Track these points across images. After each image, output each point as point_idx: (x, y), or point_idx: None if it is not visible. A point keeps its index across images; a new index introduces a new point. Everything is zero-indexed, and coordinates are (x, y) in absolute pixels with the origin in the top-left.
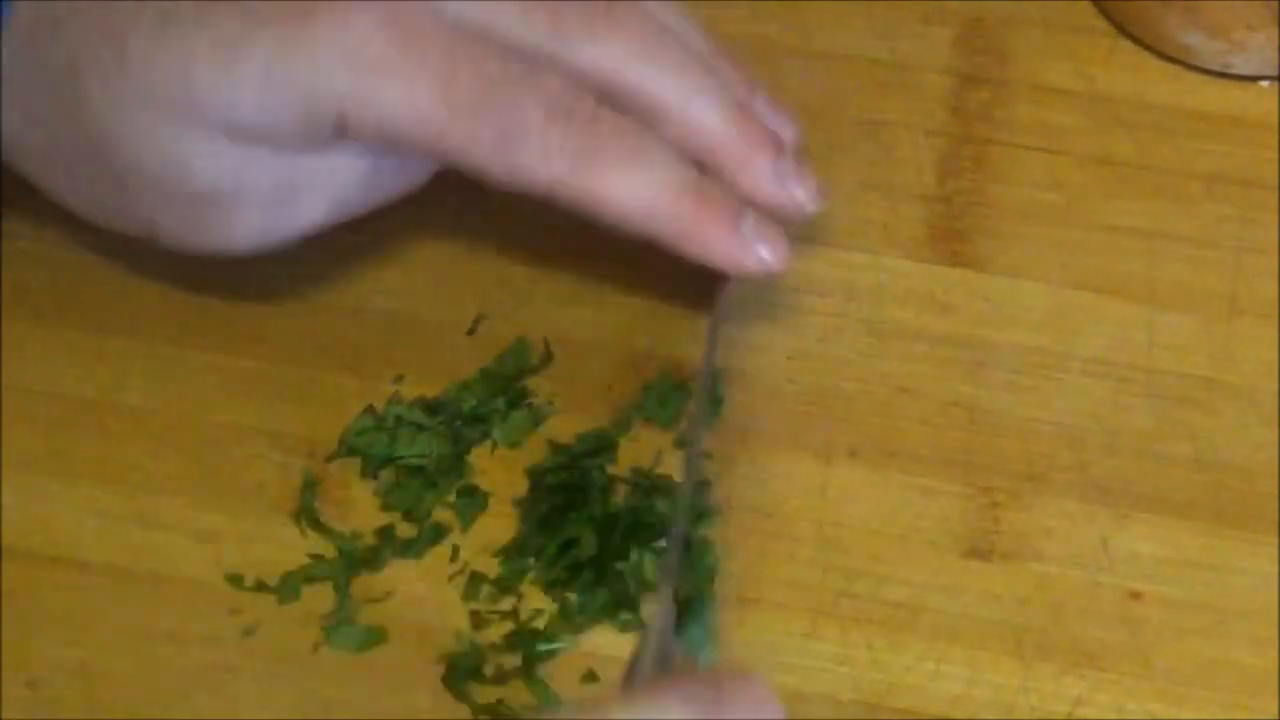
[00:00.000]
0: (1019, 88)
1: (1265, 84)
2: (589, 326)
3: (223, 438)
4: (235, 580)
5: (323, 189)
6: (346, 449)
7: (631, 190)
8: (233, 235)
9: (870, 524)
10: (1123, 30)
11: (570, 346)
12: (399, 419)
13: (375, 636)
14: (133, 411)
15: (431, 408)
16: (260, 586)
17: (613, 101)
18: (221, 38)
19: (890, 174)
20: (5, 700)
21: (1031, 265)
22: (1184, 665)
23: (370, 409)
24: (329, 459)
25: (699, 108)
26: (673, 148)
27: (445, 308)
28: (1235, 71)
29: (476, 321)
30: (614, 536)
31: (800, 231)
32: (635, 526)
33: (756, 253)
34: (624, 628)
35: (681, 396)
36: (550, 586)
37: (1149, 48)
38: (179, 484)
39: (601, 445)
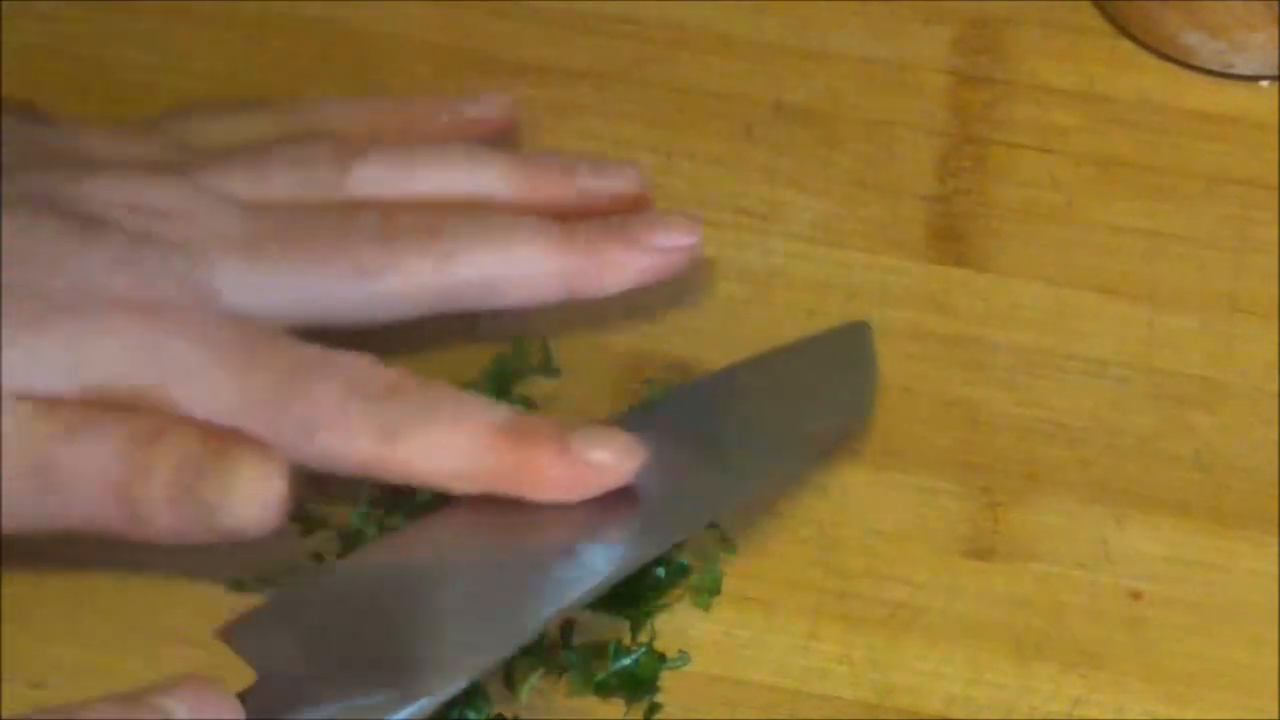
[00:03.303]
0: (1019, 88)
1: (1265, 84)
2: (589, 327)
3: None
4: (237, 584)
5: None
6: None
7: (445, 452)
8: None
9: (870, 524)
10: (1123, 30)
11: (570, 346)
12: None
13: None
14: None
15: None
16: (261, 586)
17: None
18: (26, 313)
19: (890, 174)
20: (5, 700)
21: (1031, 265)
22: (1184, 665)
23: None
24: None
25: (526, 258)
26: (475, 400)
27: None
28: (1235, 71)
29: (476, 321)
30: None
31: (801, 231)
32: None
33: (595, 460)
34: (631, 630)
35: None
36: None
37: (1149, 48)
38: None
39: None
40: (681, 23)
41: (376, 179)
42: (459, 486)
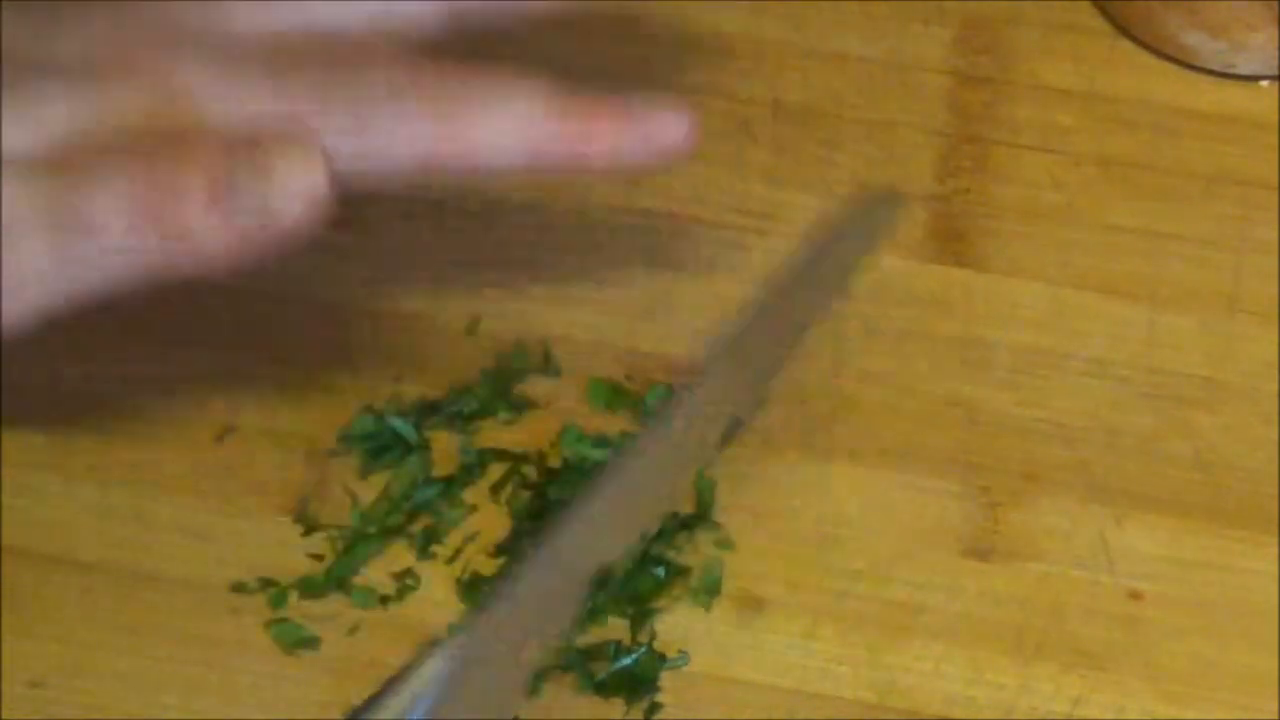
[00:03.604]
0: (1019, 88)
1: (1265, 84)
2: (589, 327)
3: (222, 438)
4: (238, 586)
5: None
6: (346, 448)
7: (504, 128)
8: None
9: (870, 524)
10: (1123, 30)
11: (570, 346)
12: (400, 419)
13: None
14: (133, 411)
15: (431, 408)
16: (261, 586)
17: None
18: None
19: (890, 174)
20: (5, 700)
21: (1031, 265)
22: (1184, 665)
23: (370, 409)
24: (329, 458)
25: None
26: (526, 79)
27: (445, 308)
28: (1235, 71)
29: (476, 321)
30: None
31: (801, 231)
32: None
33: (655, 119)
34: (631, 630)
35: None
36: None
37: (1149, 48)
38: (179, 484)
39: (601, 454)
40: (681, 23)
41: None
42: (518, 164)
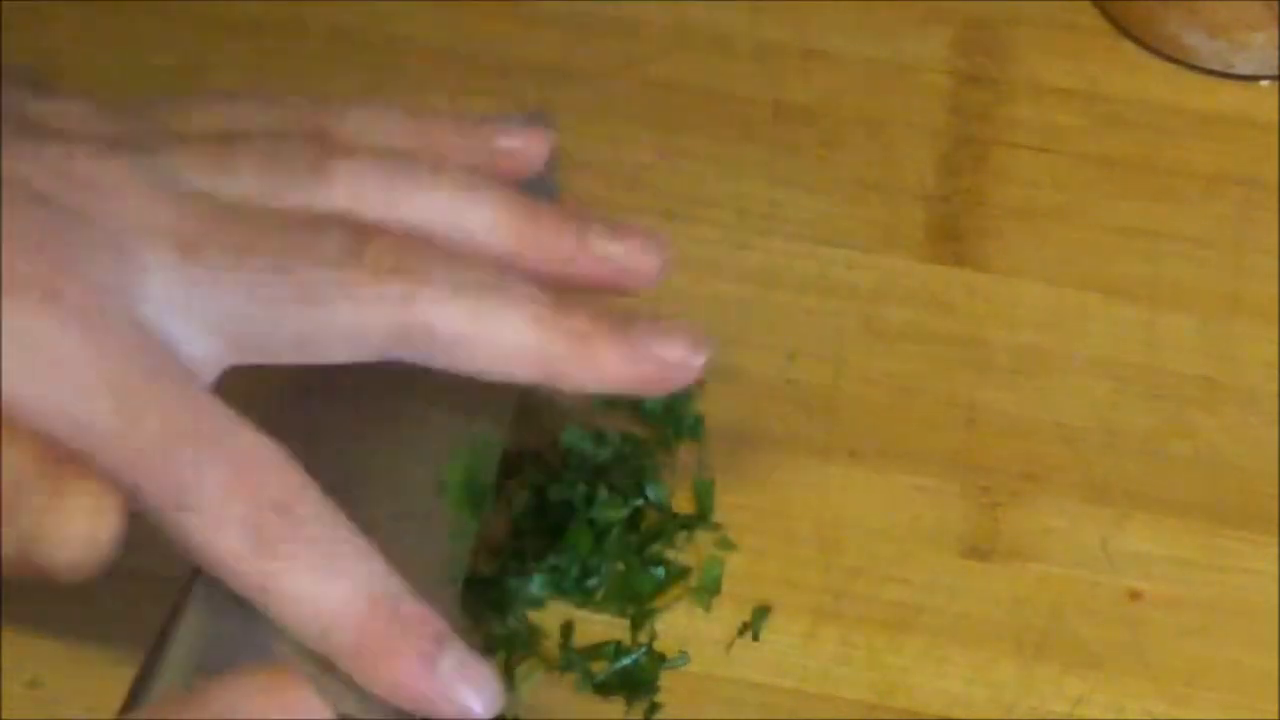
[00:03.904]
0: (1019, 88)
1: (1265, 84)
2: None
3: None
4: None
5: None
6: None
7: (315, 595)
8: None
9: (870, 524)
10: (1123, 30)
11: None
12: None
13: None
14: None
15: None
16: None
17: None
18: None
19: (890, 174)
20: (5, 700)
21: (1031, 265)
22: (1184, 665)
23: None
24: None
25: (507, 330)
26: (373, 559)
27: None
28: (1235, 71)
29: None
30: (607, 543)
31: (801, 231)
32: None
33: (456, 695)
34: (631, 630)
35: (682, 399)
36: (548, 587)
37: (1149, 48)
38: None
39: (600, 454)
40: (681, 23)
41: (353, 191)
42: (308, 634)
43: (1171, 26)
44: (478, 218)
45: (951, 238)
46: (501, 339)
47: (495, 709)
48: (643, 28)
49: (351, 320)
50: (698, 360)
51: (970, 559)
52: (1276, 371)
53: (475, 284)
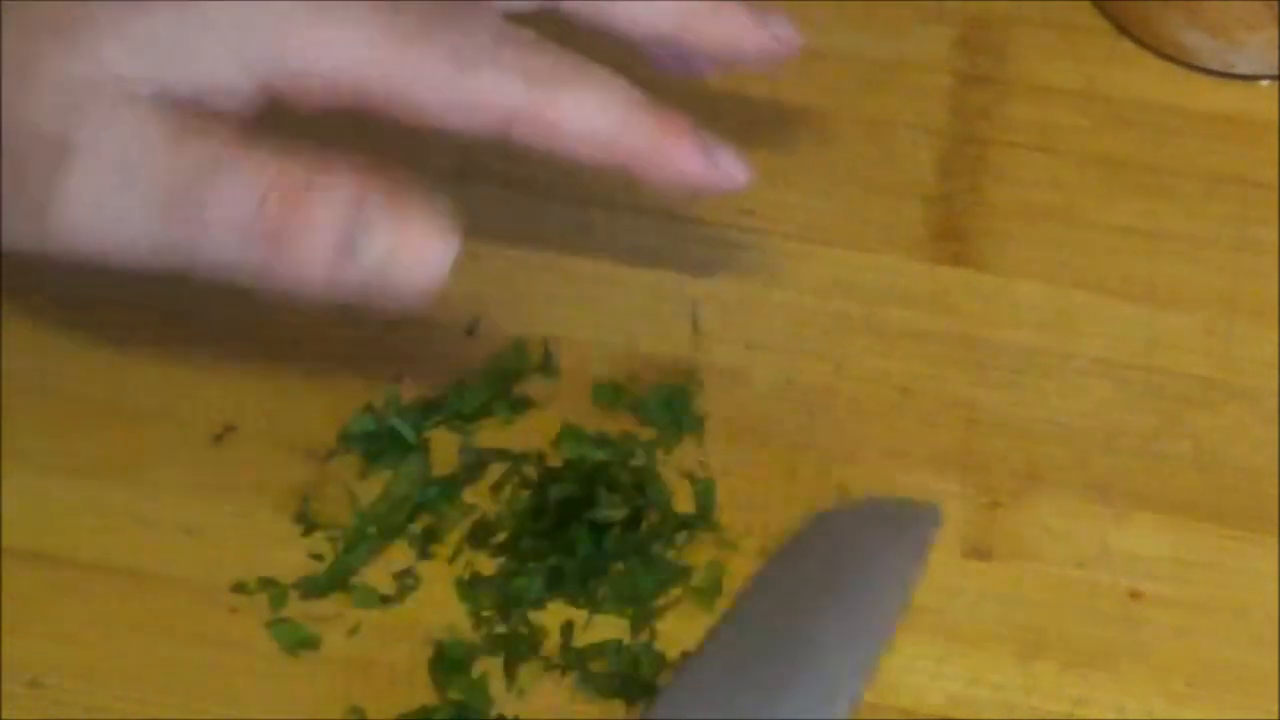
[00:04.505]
0: (1019, 88)
1: (1265, 84)
2: (589, 327)
3: (222, 437)
4: (239, 586)
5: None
6: (346, 448)
7: (590, 112)
8: (59, 208)
9: None
10: (1123, 30)
11: (570, 346)
12: (400, 419)
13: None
14: (133, 411)
15: (431, 408)
16: (261, 586)
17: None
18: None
19: (890, 174)
20: (5, 700)
21: (1031, 265)
22: (1184, 665)
23: (370, 408)
24: (329, 458)
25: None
26: (610, 77)
27: (445, 308)
28: (1235, 71)
29: (476, 321)
30: (607, 543)
31: (801, 231)
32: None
33: (723, 165)
34: (631, 630)
35: (682, 399)
36: (548, 587)
37: (1149, 48)
38: (179, 484)
39: (601, 454)
40: None
41: None
42: (594, 153)
43: (1171, 26)
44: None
45: (951, 238)
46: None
47: (748, 173)
48: None
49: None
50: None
51: (970, 559)
52: (1276, 371)
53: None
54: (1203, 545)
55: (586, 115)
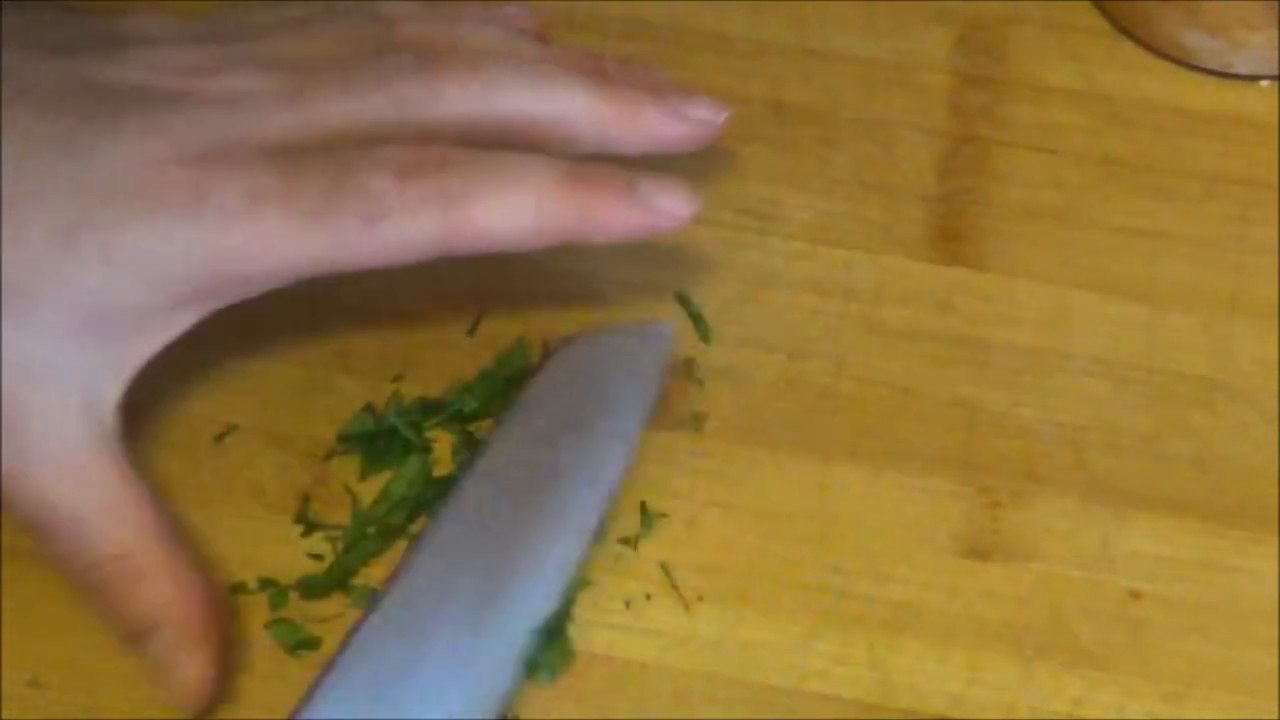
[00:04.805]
0: (1019, 88)
1: (1265, 84)
2: (589, 326)
3: (222, 437)
4: (238, 586)
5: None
6: (346, 449)
7: (514, 208)
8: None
9: (870, 524)
10: (1123, 30)
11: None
12: (400, 419)
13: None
14: (133, 412)
15: (431, 408)
16: (261, 586)
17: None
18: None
19: (890, 174)
20: (5, 700)
21: (1031, 265)
22: (1184, 665)
23: (370, 409)
24: (329, 459)
25: (564, 99)
26: (535, 156)
27: (445, 308)
28: (1235, 71)
29: (476, 321)
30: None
31: (801, 231)
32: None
33: (663, 208)
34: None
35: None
36: None
37: (1149, 48)
38: (179, 484)
39: None
40: (681, 23)
41: (418, 31)
42: (530, 241)
43: (1171, 26)
44: (524, 42)
45: (951, 238)
46: (565, 109)
47: (693, 206)
48: (644, 28)
49: (441, 113)
50: (720, 118)
51: (970, 559)
52: (1276, 371)
53: (538, 68)
54: (1203, 545)
55: (510, 214)
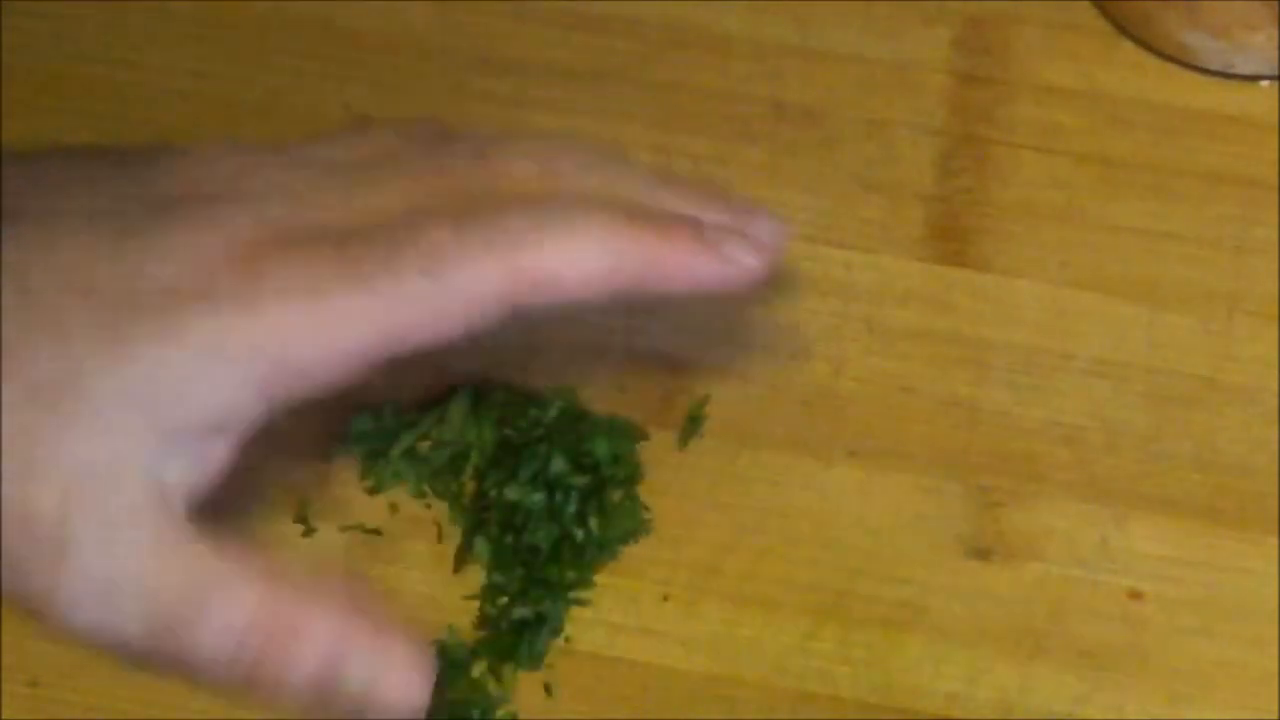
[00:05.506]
0: (1019, 88)
1: (1265, 84)
2: (589, 326)
3: None
4: None
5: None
6: (346, 448)
7: (582, 248)
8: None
9: (870, 524)
10: (1123, 30)
11: (570, 346)
12: (398, 418)
13: None
14: None
15: (431, 408)
16: None
17: None
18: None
19: (890, 174)
20: (5, 700)
21: (1031, 265)
22: (1184, 665)
23: (370, 408)
24: (329, 458)
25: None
26: (591, 196)
27: None
28: (1235, 71)
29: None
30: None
31: (801, 231)
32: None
33: (737, 258)
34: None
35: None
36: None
37: (1149, 48)
38: None
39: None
40: (681, 23)
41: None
42: (600, 286)
43: (1171, 26)
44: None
45: (951, 238)
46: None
47: (764, 261)
48: (643, 28)
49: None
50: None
51: (970, 559)
52: (1276, 371)
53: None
54: (1203, 545)
55: (579, 256)
